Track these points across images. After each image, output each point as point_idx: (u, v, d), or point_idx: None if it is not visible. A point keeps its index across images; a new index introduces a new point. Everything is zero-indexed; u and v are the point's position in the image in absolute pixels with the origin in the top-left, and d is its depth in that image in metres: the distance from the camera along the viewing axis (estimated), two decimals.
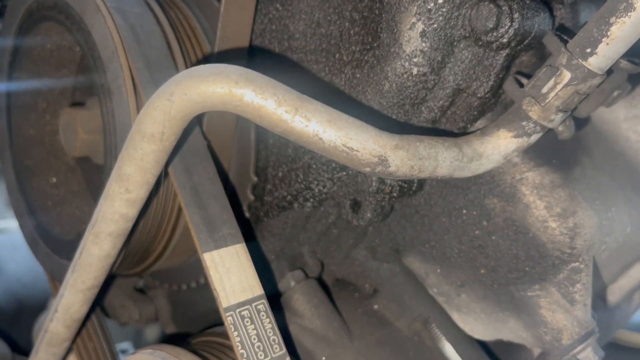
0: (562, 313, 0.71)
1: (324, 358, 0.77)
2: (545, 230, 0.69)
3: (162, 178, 0.76)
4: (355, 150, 0.56)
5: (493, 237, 0.74)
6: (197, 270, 0.97)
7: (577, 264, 0.70)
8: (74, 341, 0.93)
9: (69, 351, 0.96)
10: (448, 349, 0.83)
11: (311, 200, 0.83)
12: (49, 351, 0.86)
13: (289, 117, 0.54)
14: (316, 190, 0.81)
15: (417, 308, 0.84)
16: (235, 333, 0.67)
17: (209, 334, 0.81)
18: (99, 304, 1.04)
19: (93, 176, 1.04)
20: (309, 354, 0.78)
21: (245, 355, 0.67)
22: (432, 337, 0.84)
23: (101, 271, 0.73)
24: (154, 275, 1.08)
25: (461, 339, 0.82)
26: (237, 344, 0.67)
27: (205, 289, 0.98)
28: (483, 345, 0.84)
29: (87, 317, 0.97)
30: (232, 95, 0.53)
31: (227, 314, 0.68)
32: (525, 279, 0.73)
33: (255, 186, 0.88)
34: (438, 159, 0.60)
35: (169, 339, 1.05)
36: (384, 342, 0.83)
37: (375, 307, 0.88)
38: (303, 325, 0.81)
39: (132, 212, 0.66)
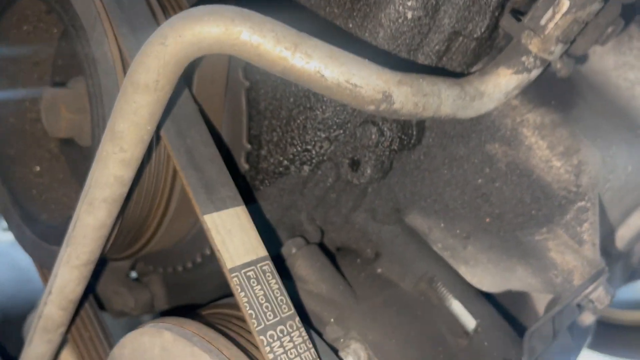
0: (571, 254, 0.70)
1: (332, 320, 0.75)
2: (550, 170, 0.68)
3: (153, 144, 0.74)
4: (359, 87, 0.54)
5: (496, 184, 0.73)
6: (193, 249, 0.95)
7: (583, 202, 0.69)
8: (68, 329, 0.89)
9: (64, 341, 0.92)
10: (456, 306, 0.81)
11: (308, 163, 0.81)
12: (44, 338, 0.82)
13: (289, 54, 0.52)
14: (313, 151, 0.79)
15: (422, 267, 0.83)
16: (242, 294, 0.65)
17: (213, 307, 0.78)
18: (92, 292, 1.01)
19: (78, 162, 1.00)
20: (317, 317, 0.76)
21: (253, 315, 0.64)
22: (439, 296, 0.82)
23: (97, 243, 0.70)
24: (147, 260, 1.05)
25: (469, 294, 0.81)
26: (245, 304, 0.65)
27: (202, 267, 0.96)
28: (492, 300, 0.82)
29: (81, 304, 0.94)
30: (229, 33, 0.51)
31: (233, 275, 0.65)
32: (531, 223, 0.72)
33: (249, 154, 0.85)
34: (441, 97, 0.59)
35: (172, 313, 1.02)
36: (390, 303, 0.81)
37: (379, 270, 0.86)
38: (308, 290, 0.79)
39: (128, 174, 0.64)
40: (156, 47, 0.53)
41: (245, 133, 0.84)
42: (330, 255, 0.87)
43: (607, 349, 1.68)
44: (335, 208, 0.86)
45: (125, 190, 0.66)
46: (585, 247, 0.70)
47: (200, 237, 0.92)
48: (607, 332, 1.65)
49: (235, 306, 0.76)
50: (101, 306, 1.09)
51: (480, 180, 0.74)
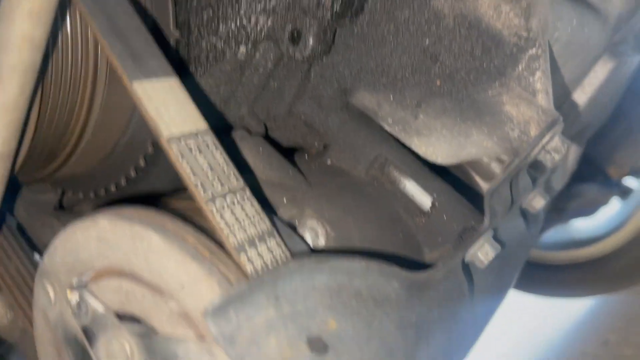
0: (526, 105, 0.68)
1: (284, 199, 0.70)
2: (499, 16, 0.66)
3: (67, 6, 0.65)
4: None
5: (445, 42, 0.69)
6: (125, 162, 0.86)
7: (534, 50, 0.67)
8: None
9: None
10: (410, 186, 0.78)
11: (244, 42, 0.75)
12: None
13: None
14: (249, 27, 0.73)
15: (373, 151, 0.79)
16: (184, 162, 0.58)
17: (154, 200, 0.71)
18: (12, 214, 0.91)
19: None
20: (268, 203, 0.71)
21: (199, 185, 0.58)
22: (392, 180, 0.79)
23: (10, 130, 0.62)
24: (74, 186, 0.96)
25: (422, 172, 0.78)
26: (188, 174, 0.58)
27: (138, 182, 0.87)
28: (447, 177, 0.80)
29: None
30: None
31: (172, 143, 0.59)
32: (484, 78, 0.69)
33: (179, 43, 0.78)
34: None
35: None
36: (344, 189, 0.77)
37: (329, 162, 0.82)
38: (257, 178, 0.73)
39: (39, 32, 0.55)
40: None
41: (171, 18, 0.77)
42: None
43: (540, 290, 1.74)
44: (278, 97, 0.81)
45: (38, 57, 0.58)
46: (539, 97, 0.68)
47: (133, 145, 0.84)
48: (539, 273, 1.70)
49: (180, 198, 0.70)
50: (31, 246, 0.99)
51: (427, 41, 0.70)
